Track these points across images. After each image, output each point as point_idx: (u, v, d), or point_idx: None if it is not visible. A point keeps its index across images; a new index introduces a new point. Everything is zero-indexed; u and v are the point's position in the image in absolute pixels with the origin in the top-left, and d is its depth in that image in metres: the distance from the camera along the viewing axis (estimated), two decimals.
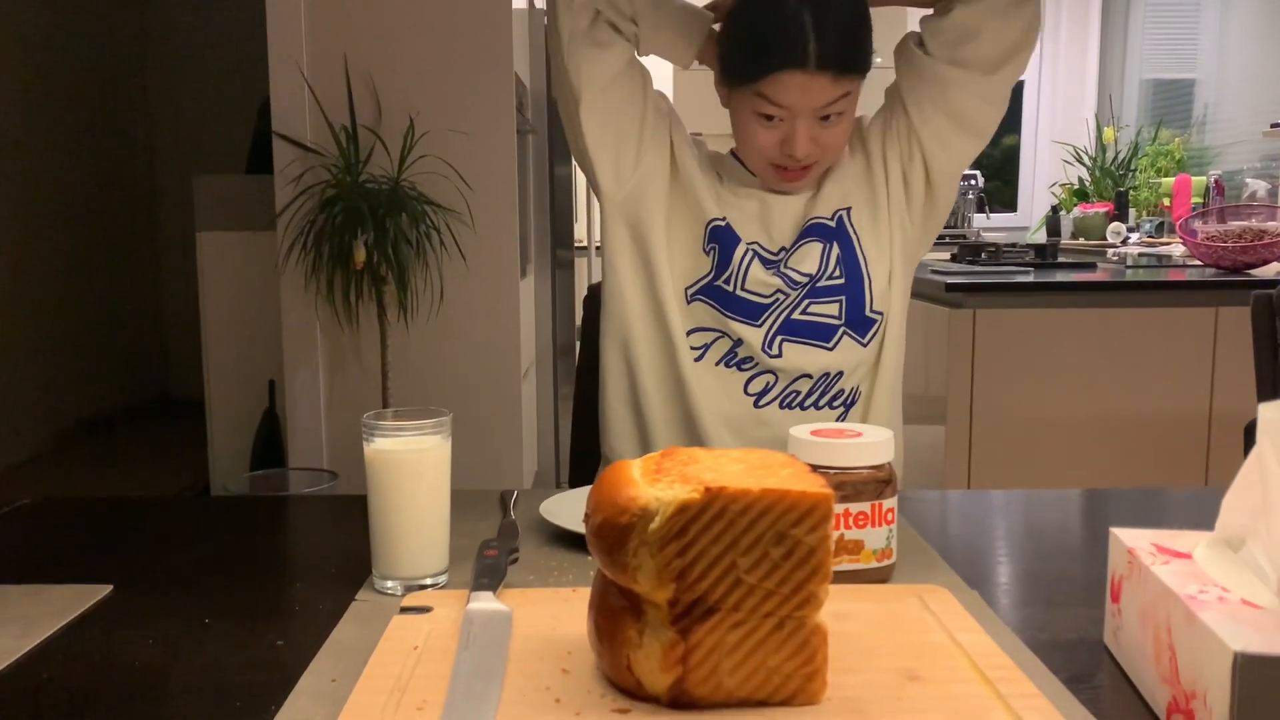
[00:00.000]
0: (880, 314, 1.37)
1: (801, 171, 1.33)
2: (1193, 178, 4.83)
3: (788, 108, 1.27)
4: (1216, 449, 2.52)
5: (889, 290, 1.38)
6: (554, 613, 0.78)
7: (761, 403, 1.36)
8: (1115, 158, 5.50)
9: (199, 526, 1.11)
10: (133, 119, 5.69)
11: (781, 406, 1.36)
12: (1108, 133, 5.56)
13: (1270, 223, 2.98)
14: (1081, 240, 4.98)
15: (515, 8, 3.18)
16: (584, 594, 0.83)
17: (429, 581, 0.87)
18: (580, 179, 4.69)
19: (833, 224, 1.37)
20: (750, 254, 1.35)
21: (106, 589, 0.89)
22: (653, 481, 0.64)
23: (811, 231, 1.36)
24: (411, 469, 0.86)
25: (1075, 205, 5.34)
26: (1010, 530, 1.12)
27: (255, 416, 3.44)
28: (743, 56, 1.29)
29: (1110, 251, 4.19)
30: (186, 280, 3.63)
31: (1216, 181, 4.74)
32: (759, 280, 1.33)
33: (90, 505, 1.22)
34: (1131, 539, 0.75)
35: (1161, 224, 4.89)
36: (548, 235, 3.78)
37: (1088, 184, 5.53)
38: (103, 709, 0.68)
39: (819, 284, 1.35)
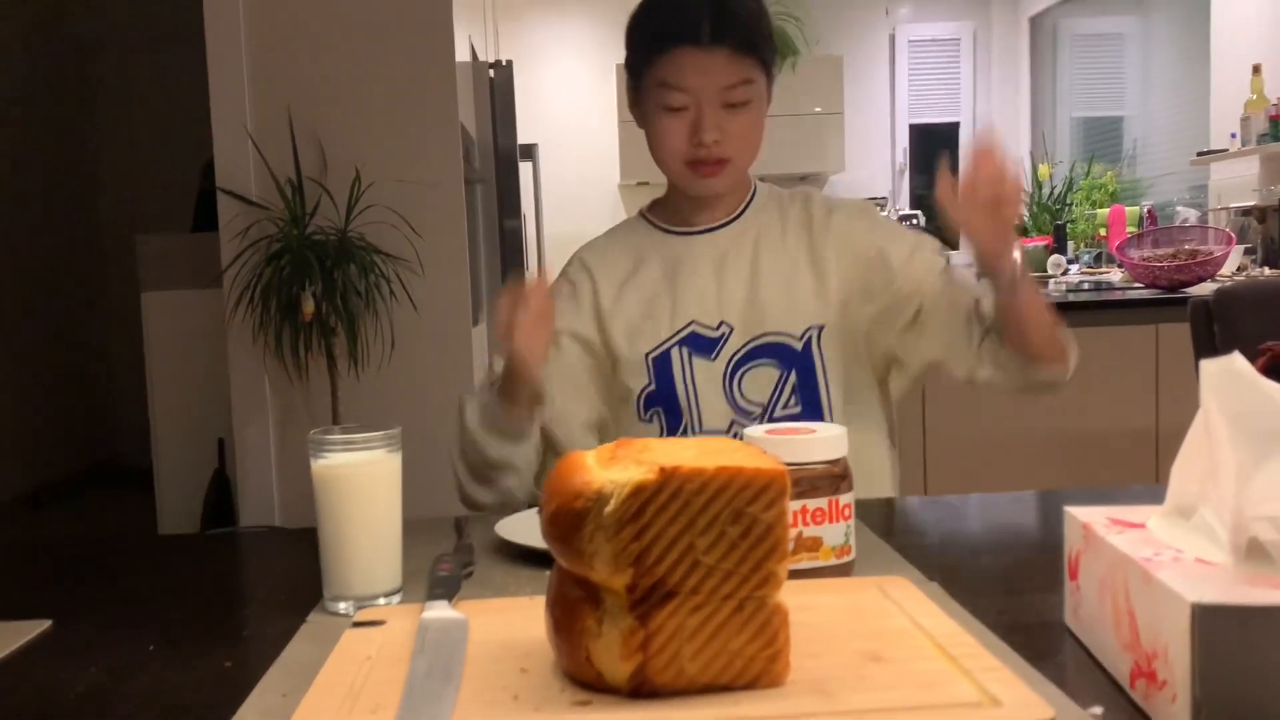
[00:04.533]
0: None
1: (716, 166, 1.30)
2: (1126, 208, 4.95)
3: (689, 90, 1.27)
4: (1165, 462, 2.53)
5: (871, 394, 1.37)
6: (510, 620, 0.76)
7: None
8: (1051, 193, 5.64)
9: (144, 562, 1.08)
10: (77, 181, 5.63)
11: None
12: (1043, 169, 5.70)
13: (1202, 245, 3.06)
14: None
15: (459, 60, 3.21)
16: (542, 601, 0.82)
17: (382, 601, 0.85)
18: (530, 230, 4.71)
19: (798, 343, 1.33)
20: (687, 370, 1.33)
21: (45, 624, 0.85)
22: (607, 467, 0.63)
23: (766, 353, 1.33)
24: (361, 484, 0.84)
25: (1016, 239, 5.45)
26: (967, 529, 1.12)
27: (204, 478, 3.37)
28: (641, 40, 1.32)
29: (1051, 282, 4.28)
30: (133, 343, 3.56)
31: (1149, 211, 4.86)
32: (711, 407, 1.32)
33: (30, 546, 1.18)
34: (1086, 515, 0.75)
35: (1099, 254, 5.00)
36: (499, 285, 3.78)
37: (1027, 219, 5.66)
38: None
39: (774, 415, 1.32)
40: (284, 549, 1.13)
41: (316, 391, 3.01)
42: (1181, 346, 2.04)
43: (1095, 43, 6.34)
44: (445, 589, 0.79)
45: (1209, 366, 0.61)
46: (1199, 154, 4.80)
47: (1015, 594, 0.86)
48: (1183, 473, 0.70)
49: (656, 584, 0.61)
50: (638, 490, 0.60)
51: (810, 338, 1.33)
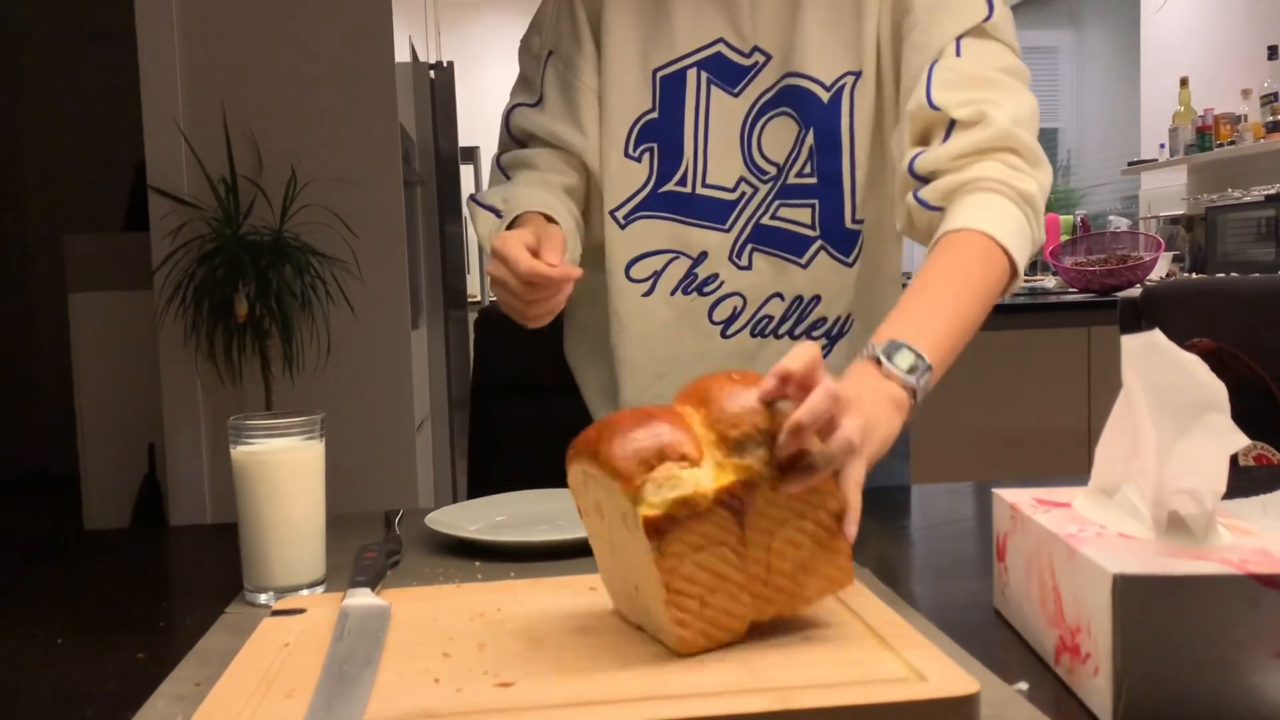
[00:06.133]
0: (863, 223, 1.13)
1: None
2: (1060, 217, 5.06)
3: None
4: None
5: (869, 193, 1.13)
6: (436, 608, 0.75)
7: (730, 331, 1.17)
8: None
9: (59, 557, 1.04)
10: (2, 179, 5.47)
11: (753, 334, 1.17)
12: None
13: (1133, 251, 3.13)
14: None
15: (399, 60, 3.17)
16: (468, 589, 0.80)
17: (305, 592, 0.83)
18: (471, 234, 4.67)
19: (826, 94, 1.09)
20: (703, 101, 1.10)
21: None
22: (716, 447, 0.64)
23: (789, 99, 1.11)
24: (282, 471, 0.82)
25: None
26: (896, 519, 1.12)
27: (134, 484, 3.29)
28: None
29: None
30: (59, 346, 3.46)
31: (1083, 220, 4.97)
32: (720, 158, 1.11)
33: None
34: (1013, 496, 0.76)
35: (1035, 263, 5.09)
36: (439, 289, 3.74)
37: None
38: None
39: (787, 182, 1.12)
40: (207, 543, 1.10)
41: (250, 395, 2.95)
42: (1112, 348, 2.07)
43: (1030, 55, 6.42)
44: (368, 576, 0.78)
45: (1130, 342, 0.61)
46: (1129, 164, 4.91)
47: (944, 579, 0.87)
48: (1106, 452, 0.71)
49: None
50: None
51: (844, 86, 1.10)
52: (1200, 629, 0.56)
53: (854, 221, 1.13)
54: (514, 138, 1.23)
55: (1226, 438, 0.59)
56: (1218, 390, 0.59)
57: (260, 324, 2.83)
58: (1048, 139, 6.22)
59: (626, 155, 1.14)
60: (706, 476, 0.63)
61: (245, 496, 0.82)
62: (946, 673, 0.59)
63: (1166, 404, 0.60)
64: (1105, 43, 5.84)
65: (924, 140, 1.05)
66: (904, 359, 0.85)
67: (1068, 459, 2.61)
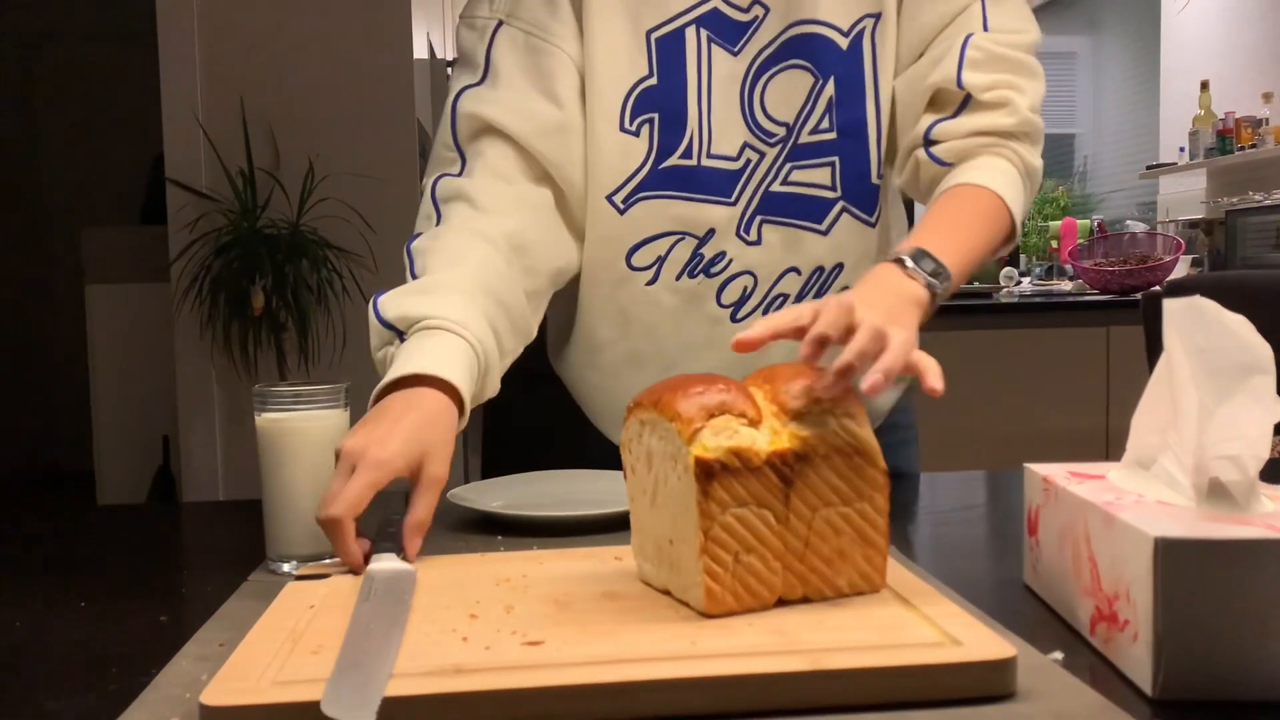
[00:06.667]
0: (883, 179, 1.06)
1: None
2: (1078, 221, 5.04)
3: None
4: (1115, 459, 2.58)
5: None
6: (462, 573, 0.74)
7: (740, 315, 1.08)
8: None
9: (78, 529, 1.04)
10: (21, 173, 5.50)
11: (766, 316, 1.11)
12: None
13: (1152, 252, 3.11)
14: (977, 284, 5.14)
15: (417, 57, 3.18)
16: (493, 557, 0.79)
17: (327, 561, 0.82)
18: None
19: (845, 40, 1.01)
20: (704, 62, 1.01)
21: None
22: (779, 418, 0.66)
23: (799, 50, 1.02)
24: (307, 438, 0.82)
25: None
26: (922, 502, 1.11)
27: (148, 476, 3.29)
28: None
29: (1004, 291, 4.32)
30: (76, 338, 3.47)
31: (1099, 224, 4.95)
32: (723, 122, 1.02)
33: None
34: (1046, 469, 0.75)
35: (1051, 267, 5.07)
36: None
37: None
38: None
39: (799, 141, 1.03)
40: (227, 518, 1.09)
41: None
42: (1131, 348, 2.06)
43: (1048, 60, 6.41)
44: (394, 542, 0.77)
45: (1172, 304, 0.60)
46: (1148, 167, 4.89)
47: (973, 557, 0.86)
48: (1142, 424, 0.70)
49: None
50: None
51: (863, 30, 1.01)
52: (1243, 594, 0.54)
53: (878, 176, 1.06)
54: (459, 139, 1.02)
55: (1272, 402, 0.58)
56: (1264, 352, 0.58)
57: (276, 317, 2.84)
58: (1065, 144, 6.19)
59: (623, 129, 1.01)
60: (763, 438, 0.64)
61: (269, 465, 0.82)
62: (981, 637, 0.58)
63: (1209, 366, 0.59)
64: (1123, 48, 5.81)
65: (939, 106, 1.03)
66: (927, 264, 0.87)
67: (1087, 458, 2.60)
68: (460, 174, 1.01)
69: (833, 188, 1.04)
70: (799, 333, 0.71)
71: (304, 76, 2.97)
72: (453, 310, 0.89)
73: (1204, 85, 4.53)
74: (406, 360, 0.86)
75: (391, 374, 0.86)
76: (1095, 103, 6.08)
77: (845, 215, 1.05)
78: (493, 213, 0.98)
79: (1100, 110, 6.04)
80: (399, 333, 0.91)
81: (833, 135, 1.02)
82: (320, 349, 2.93)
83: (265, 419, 0.82)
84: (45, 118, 5.64)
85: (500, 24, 1.02)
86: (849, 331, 0.70)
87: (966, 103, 1.01)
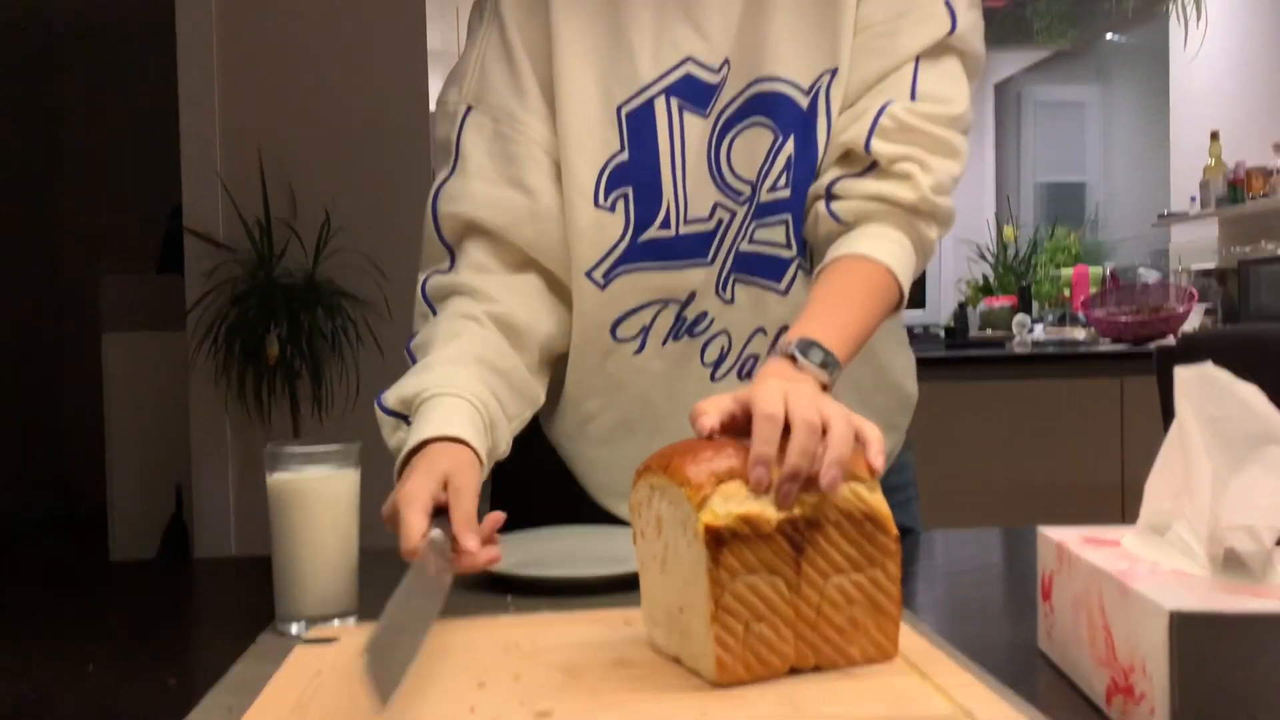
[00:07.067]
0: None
1: None
2: (1090, 269, 5.03)
3: None
4: (1131, 514, 2.55)
5: None
6: (470, 639, 0.73)
7: (718, 374, 1.08)
8: (1016, 254, 5.72)
9: (88, 587, 1.04)
10: (38, 221, 5.57)
11: (740, 376, 1.08)
12: (1008, 231, 5.79)
13: (1165, 302, 3.10)
14: (990, 331, 5.13)
15: (432, 109, 3.22)
16: (502, 621, 0.79)
17: (336, 623, 0.82)
18: None
19: (805, 98, 1.01)
20: (676, 130, 1.01)
21: None
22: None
23: (762, 107, 1.01)
24: (318, 498, 0.82)
25: (981, 300, 5.51)
26: (935, 562, 1.10)
27: (160, 523, 3.30)
28: None
29: (1017, 339, 4.32)
30: (91, 385, 3.49)
31: (1112, 273, 4.94)
32: (696, 186, 1.01)
33: None
34: (1059, 534, 0.74)
35: (1063, 314, 5.06)
36: None
37: (992, 280, 5.73)
38: None
39: (761, 199, 1.02)
40: (237, 575, 1.09)
41: (279, 436, 2.96)
42: (1146, 399, 2.05)
43: (1058, 110, 6.49)
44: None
45: (1184, 373, 0.60)
46: (1160, 216, 4.89)
47: (987, 620, 0.85)
48: (1156, 489, 0.69)
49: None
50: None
51: (820, 89, 1.01)
52: (1260, 668, 0.54)
53: None
54: (444, 237, 1.03)
55: None
56: (1276, 421, 0.57)
57: (291, 365, 2.85)
58: (1075, 192, 6.22)
59: (597, 205, 1.01)
60: (773, 505, 0.64)
61: (280, 524, 0.82)
62: (995, 711, 0.58)
63: (1221, 436, 0.59)
64: (1133, 97, 5.85)
65: (848, 163, 1.02)
66: (815, 355, 0.86)
67: (1102, 512, 2.58)
68: (449, 270, 1.04)
69: (788, 245, 1.03)
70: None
71: (321, 127, 3.02)
72: (446, 378, 0.93)
73: (1214, 135, 4.55)
74: (415, 432, 0.90)
75: (405, 450, 0.90)
76: (1105, 151, 6.11)
77: (800, 274, 1.05)
78: (481, 299, 1.01)
79: (1110, 159, 6.06)
80: (404, 417, 0.94)
81: (787, 193, 1.02)
82: (334, 397, 2.94)
83: (276, 479, 0.82)
84: (64, 164, 5.72)
85: (469, 110, 1.04)
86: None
87: (872, 167, 1.00)
